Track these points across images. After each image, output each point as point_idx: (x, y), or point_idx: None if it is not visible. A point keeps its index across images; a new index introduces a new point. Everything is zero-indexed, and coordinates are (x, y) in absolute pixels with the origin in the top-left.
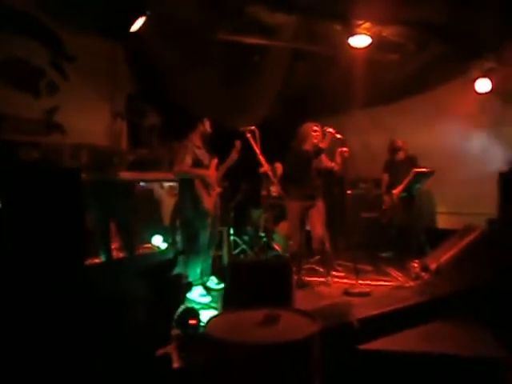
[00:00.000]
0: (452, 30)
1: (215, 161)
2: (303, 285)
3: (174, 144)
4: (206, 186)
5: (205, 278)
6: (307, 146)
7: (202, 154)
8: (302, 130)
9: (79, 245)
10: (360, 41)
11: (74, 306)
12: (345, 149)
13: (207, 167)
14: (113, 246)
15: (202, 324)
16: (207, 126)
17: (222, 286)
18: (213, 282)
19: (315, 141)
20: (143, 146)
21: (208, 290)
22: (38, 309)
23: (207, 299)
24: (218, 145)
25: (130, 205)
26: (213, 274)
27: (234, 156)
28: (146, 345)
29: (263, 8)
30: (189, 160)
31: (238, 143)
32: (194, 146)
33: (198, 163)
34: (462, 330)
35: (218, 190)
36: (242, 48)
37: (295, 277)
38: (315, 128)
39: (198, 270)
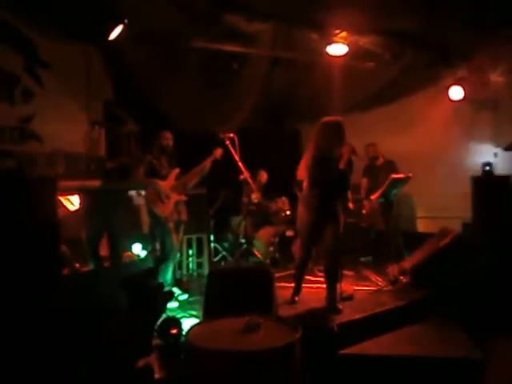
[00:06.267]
0: (425, 39)
1: (175, 171)
2: (293, 302)
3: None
4: (158, 194)
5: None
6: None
7: (159, 165)
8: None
9: (55, 255)
10: (337, 49)
11: (50, 318)
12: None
13: (165, 177)
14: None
15: (183, 333)
16: (164, 138)
17: (185, 296)
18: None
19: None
20: (122, 154)
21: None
22: (12, 321)
23: None
24: (196, 152)
25: (120, 214)
26: (175, 285)
27: (206, 164)
28: (128, 355)
29: (240, 17)
30: (141, 170)
31: (217, 151)
32: (152, 158)
33: (153, 173)
34: (440, 332)
35: (179, 197)
36: (221, 55)
37: (292, 293)
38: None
39: (169, 276)
